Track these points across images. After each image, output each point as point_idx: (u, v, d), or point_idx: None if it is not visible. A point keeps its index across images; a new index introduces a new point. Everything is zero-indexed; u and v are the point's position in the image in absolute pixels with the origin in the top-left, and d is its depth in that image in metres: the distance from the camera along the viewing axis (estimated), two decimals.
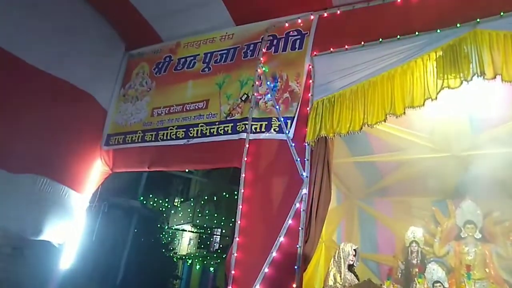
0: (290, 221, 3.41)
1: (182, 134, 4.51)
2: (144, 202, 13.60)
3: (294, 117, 3.82)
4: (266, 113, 4.02)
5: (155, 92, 5.09)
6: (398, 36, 3.43)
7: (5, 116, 4.14)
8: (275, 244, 3.39)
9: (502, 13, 2.98)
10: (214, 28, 4.86)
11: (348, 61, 3.56)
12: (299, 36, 4.20)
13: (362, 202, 6.22)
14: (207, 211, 16.88)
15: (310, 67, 3.90)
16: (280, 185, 3.65)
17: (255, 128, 3.98)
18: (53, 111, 4.57)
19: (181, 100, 4.74)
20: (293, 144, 3.68)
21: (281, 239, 3.39)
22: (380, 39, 3.51)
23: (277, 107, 3.93)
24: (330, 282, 3.96)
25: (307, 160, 3.55)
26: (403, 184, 5.62)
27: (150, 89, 5.16)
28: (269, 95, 4.06)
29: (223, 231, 16.45)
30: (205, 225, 17.22)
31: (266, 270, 3.35)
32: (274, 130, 3.88)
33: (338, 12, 4.05)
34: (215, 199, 15.98)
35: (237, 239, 3.62)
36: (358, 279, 4.05)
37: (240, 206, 3.73)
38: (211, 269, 16.10)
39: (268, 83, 4.11)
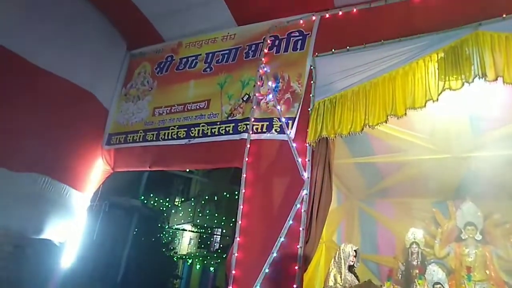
0: (290, 222, 3.42)
1: (184, 134, 4.51)
2: (145, 201, 13.62)
3: (295, 117, 3.82)
4: (268, 113, 4.02)
5: (157, 91, 5.10)
6: (400, 38, 3.43)
7: (6, 114, 4.14)
8: (275, 245, 3.39)
9: (504, 15, 2.98)
10: (216, 28, 4.87)
11: (350, 62, 3.56)
12: (300, 37, 4.20)
13: (362, 203, 6.23)
14: (207, 211, 16.90)
15: (312, 67, 3.90)
16: (281, 186, 3.65)
17: (256, 129, 3.99)
18: (55, 110, 4.58)
19: (183, 100, 4.75)
20: (294, 145, 3.68)
21: (282, 239, 3.40)
22: (382, 40, 3.51)
23: (279, 107, 3.94)
24: (331, 283, 3.97)
25: (308, 160, 3.55)
26: (403, 185, 5.63)
27: (152, 88, 5.17)
28: (270, 96, 4.06)
29: (224, 231, 16.47)
30: (205, 225, 17.25)
31: (267, 270, 3.35)
32: (275, 130, 3.88)
33: (340, 13, 4.05)
34: (215, 199, 16.00)
35: (238, 239, 3.62)
36: (358, 280, 4.06)
37: (241, 206, 3.73)
38: (211, 269, 16.12)
39: (270, 83, 4.11)
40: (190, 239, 18.27)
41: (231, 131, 4.17)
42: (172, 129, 4.63)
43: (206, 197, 16.93)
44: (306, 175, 3.50)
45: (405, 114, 3.12)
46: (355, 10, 3.95)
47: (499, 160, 4.38)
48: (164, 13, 4.92)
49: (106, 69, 5.39)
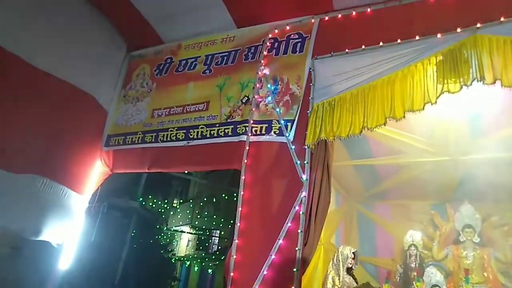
0: (289, 224, 3.41)
1: (182, 136, 4.51)
2: (143, 203, 13.59)
3: (294, 120, 3.83)
4: (267, 115, 4.02)
5: (156, 93, 5.10)
6: (399, 41, 3.45)
7: (5, 115, 4.14)
8: (274, 247, 3.39)
9: (502, 19, 3.00)
10: (215, 30, 4.87)
11: (349, 64, 3.58)
12: (300, 39, 4.21)
13: (361, 205, 6.24)
14: (206, 213, 16.88)
15: (311, 70, 3.91)
16: (280, 188, 3.66)
17: (256, 131, 3.99)
18: (54, 111, 4.56)
19: (182, 101, 4.75)
20: (293, 147, 3.68)
21: (280, 241, 3.39)
22: (381, 43, 3.53)
23: (278, 109, 3.94)
24: (329, 285, 3.98)
25: (307, 163, 3.55)
26: (402, 188, 5.65)
27: (151, 90, 5.16)
28: (269, 98, 4.07)
29: (222, 232, 16.46)
30: (203, 227, 17.22)
31: (265, 272, 3.35)
32: (275, 132, 3.88)
33: (339, 16, 4.07)
34: (214, 200, 15.98)
35: (237, 241, 3.62)
36: (356, 282, 4.07)
37: (240, 208, 3.73)
38: (210, 270, 16.09)
39: (269, 85, 4.12)
40: (188, 241, 18.24)
41: (230, 133, 4.17)
42: (171, 130, 4.63)
43: (205, 199, 16.91)
44: (304, 177, 3.51)
45: (404, 117, 3.13)
46: (354, 13, 3.96)
47: (497, 162, 4.40)
48: (163, 15, 4.93)
49: (106, 71, 5.39)
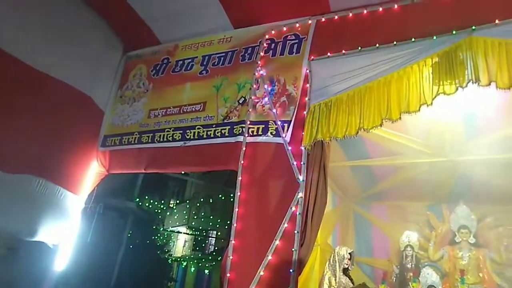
0: (286, 225, 3.42)
1: (179, 136, 4.51)
2: (140, 203, 13.54)
3: (291, 120, 3.83)
4: (263, 116, 4.02)
5: (152, 93, 5.09)
6: (395, 42, 3.46)
7: (0, 116, 4.12)
8: (270, 247, 3.39)
9: (497, 21, 3.02)
10: (212, 31, 4.87)
11: (345, 66, 3.59)
12: (296, 40, 4.22)
13: (357, 206, 6.26)
14: (202, 213, 16.87)
15: (308, 71, 3.92)
16: (277, 189, 3.66)
17: (252, 131, 3.99)
18: (50, 111, 4.55)
19: (178, 102, 4.74)
20: (290, 148, 3.69)
21: (277, 242, 3.40)
22: (377, 45, 3.54)
23: (274, 110, 3.95)
24: (325, 286, 3.98)
25: (304, 164, 3.56)
26: (398, 189, 5.67)
27: (147, 90, 5.16)
28: (266, 99, 4.07)
29: (219, 233, 16.42)
30: (200, 227, 17.19)
31: (262, 273, 3.35)
32: (271, 133, 3.89)
33: (336, 17, 4.08)
34: (211, 201, 15.96)
35: (233, 242, 3.62)
36: (353, 283, 4.08)
37: (236, 209, 3.73)
38: (206, 271, 16.05)
39: (266, 86, 4.13)
40: (185, 241, 18.20)
41: (226, 134, 4.17)
42: (167, 131, 4.62)
43: (201, 200, 16.89)
44: (301, 178, 3.51)
45: (400, 118, 3.14)
46: (351, 14, 3.98)
47: (493, 164, 4.43)
48: (160, 15, 4.92)
49: (102, 71, 5.37)
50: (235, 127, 4.14)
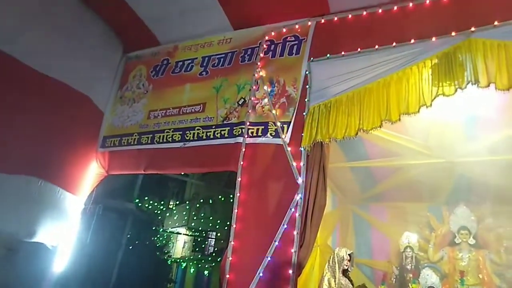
0: (285, 226, 3.42)
1: (179, 137, 4.51)
2: (139, 204, 13.51)
3: (290, 122, 3.84)
4: (263, 117, 4.03)
5: (152, 94, 5.09)
6: (394, 44, 3.47)
7: (1, 116, 4.12)
8: (270, 249, 3.40)
9: (495, 23, 3.03)
10: (212, 32, 4.88)
11: (345, 67, 3.60)
12: (296, 42, 4.23)
13: (357, 207, 6.25)
14: (202, 214, 16.82)
15: (307, 72, 3.92)
16: (276, 190, 3.66)
17: (252, 132, 4.00)
18: (50, 112, 4.55)
19: (178, 103, 4.75)
20: (289, 149, 3.69)
21: (276, 243, 3.40)
22: (376, 46, 3.55)
23: (274, 111, 3.95)
24: (325, 287, 3.96)
25: (303, 165, 3.57)
26: (398, 190, 5.67)
27: (147, 91, 5.16)
28: (266, 100, 4.08)
29: (218, 234, 16.39)
30: (200, 228, 17.15)
31: (261, 274, 3.35)
32: (271, 134, 3.89)
33: (335, 18, 4.09)
34: (210, 202, 15.93)
35: (232, 243, 3.62)
36: (352, 284, 4.06)
37: (236, 210, 3.73)
38: (206, 272, 16.01)
39: (265, 87, 4.13)
40: (185, 242, 18.16)
41: (226, 135, 4.17)
42: (167, 132, 4.62)
43: (201, 200, 16.85)
44: (300, 179, 3.51)
45: (399, 119, 3.15)
46: (350, 16, 3.99)
47: (493, 165, 4.42)
48: (160, 16, 4.93)
49: (102, 72, 5.38)
50: (234, 128, 4.14)
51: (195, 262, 16.66)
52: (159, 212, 15.55)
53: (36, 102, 4.42)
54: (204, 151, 4.28)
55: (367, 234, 6.13)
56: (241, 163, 3.88)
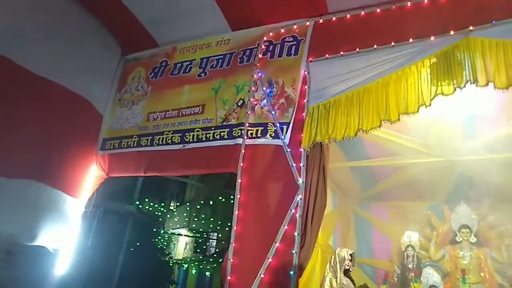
0: (286, 227, 3.42)
1: (178, 139, 4.50)
2: (140, 206, 13.53)
3: (289, 122, 3.83)
4: (262, 118, 4.02)
5: (151, 96, 5.09)
6: (393, 43, 3.47)
7: (0, 120, 4.12)
8: (271, 250, 3.39)
9: (494, 22, 3.03)
10: (210, 33, 4.88)
11: (343, 67, 3.59)
12: (294, 42, 4.22)
13: (357, 206, 6.25)
14: (203, 215, 16.83)
15: (306, 73, 3.92)
16: (276, 191, 3.66)
17: (251, 134, 3.99)
18: (49, 115, 4.55)
19: (177, 105, 4.74)
20: (289, 150, 3.69)
21: (277, 244, 3.39)
22: (375, 46, 3.55)
23: (273, 112, 3.95)
24: (326, 287, 3.96)
25: (303, 165, 3.56)
26: (398, 189, 5.66)
27: (146, 93, 5.16)
28: (265, 101, 4.07)
29: (219, 235, 16.40)
30: (201, 229, 17.16)
31: (262, 275, 3.35)
32: (270, 135, 3.89)
33: (334, 18, 4.09)
34: (211, 203, 15.94)
35: (233, 244, 3.61)
36: (354, 284, 4.06)
37: (236, 212, 3.73)
38: (207, 273, 16.02)
39: (264, 88, 4.13)
40: (186, 243, 18.18)
41: (225, 136, 4.17)
42: (166, 134, 4.62)
43: (202, 202, 16.86)
44: (300, 180, 3.51)
45: (398, 119, 3.14)
46: (348, 15, 3.98)
47: (492, 163, 4.42)
48: (158, 18, 4.93)
49: (101, 74, 5.38)
50: (234, 129, 4.14)
51: (196, 263, 16.68)
52: (159, 214, 15.57)
53: (35, 105, 4.41)
54: (204, 153, 4.28)
55: (368, 234, 6.12)
56: (241, 164, 3.88)
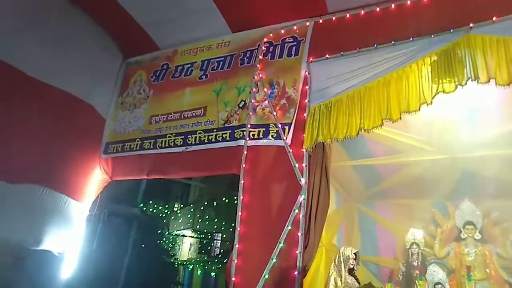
0: (289, 227, 3.42)
1: (180, 142, 4.52)
2: (144, 209, 13.57)
3: (291, 123, 3.84)
4: (264, 119, 4.03)
5: (153, 99, 5.11)
6: (393, 42, 3.47)
7: (3, 126, 4.15)
8: (275, 250, 3.40)
9: (494, 18, 3.02)
10: (210, 35, 4.89)
11: (344, 67, 3.59)
12: (295, 43, 4.23)
13: (361, 205, 6.23)
14: (207, 216, 16.86)
15: (307, 73, 3.92)
16: (279, 191, 3.67)
17: (253, 135, 4.00)
18: (52, 121, 4.59)
19: (179, 107, 4.76)
20: (291, 150, 3.69)
21: (281, 245, 3.40)
22: (375, 45, 3.55)
23: (275, 113, 3.96)
24: (331, 287, 3.97)
25: (305, 166, 3.57)
26: (402, 187, 5.64)
27: (148, 97, 5.18)
28: (266, 102, 4.08)
29: (224, 236, 16.44)
30: (205, 230, 17.20)
31: (267, 276, 3.36)
32: (272, 136, 3.89)
33: (333, 18, 4.09)
34: (214, 204, 15.97)
35: (237, 245, 3.62)
36: (359, 283, 4.06)
37: (240, 213, 3.74)
38: (212, 274, 16.06)
39: (265, 89, 4.13)
40: (191, 244, 18.23)
41: (228, 138, 4.18)
42: (169, 137, 4.64)
43: (205, 203, 16.90)
44: (303, 180, 3.52)
45: (400, 118, 3.14)
46: (348, 15, 3.98)
47: (496, 159, 4.41)
48: (159, 21, 4.95)
49: (103, 78, 5.41)
50: (236, 131, 4.15)
51: (201, 264, 16.72)
52: (164, 215, 15.61)
53: (38, 111, 4.45)
54: (206, 155, 4.29)
55: (372, 232, 6.10)
56: (243, 165, 3.89)
